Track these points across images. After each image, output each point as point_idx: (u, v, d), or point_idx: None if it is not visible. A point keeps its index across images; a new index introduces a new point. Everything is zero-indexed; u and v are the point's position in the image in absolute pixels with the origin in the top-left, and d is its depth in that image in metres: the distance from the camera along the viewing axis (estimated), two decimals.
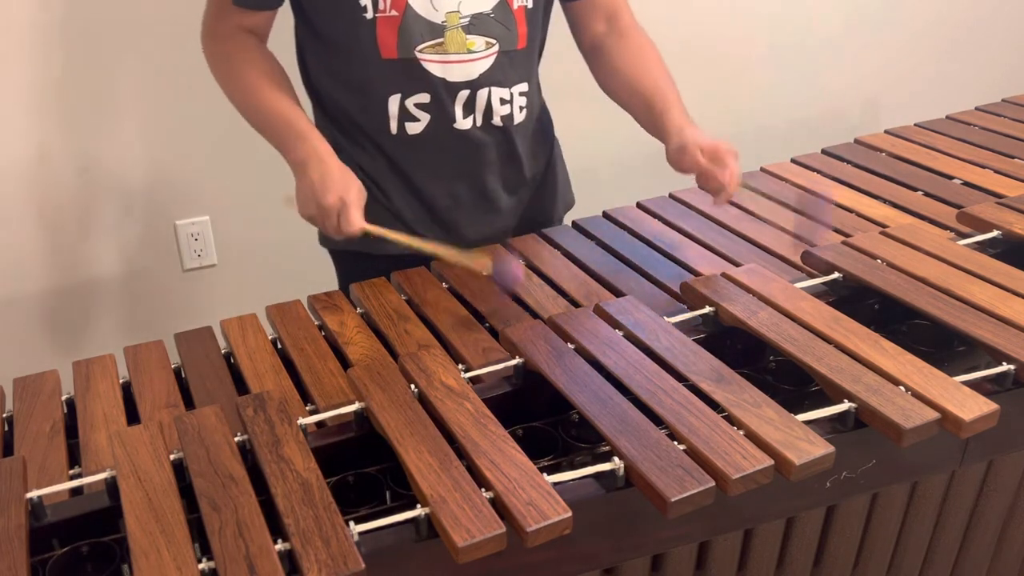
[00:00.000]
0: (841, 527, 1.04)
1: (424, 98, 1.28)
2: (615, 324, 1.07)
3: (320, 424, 0.98)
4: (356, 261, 1.37)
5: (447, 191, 1.36)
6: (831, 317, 1.07)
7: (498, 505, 0.80)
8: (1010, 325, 1.05)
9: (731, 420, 0.90)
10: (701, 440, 0.87)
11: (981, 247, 1.26)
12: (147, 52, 1.88)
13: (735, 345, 1.11)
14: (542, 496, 0.80)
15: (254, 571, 0.74)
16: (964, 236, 1.30)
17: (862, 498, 1.02)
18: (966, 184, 1.50)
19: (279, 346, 1.17)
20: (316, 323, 1.20)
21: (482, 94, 1.29)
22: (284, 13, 1.31)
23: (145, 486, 0.84)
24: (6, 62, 1.78)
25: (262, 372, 1.10)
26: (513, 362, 1.03)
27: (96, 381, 1.09)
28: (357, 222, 1.18)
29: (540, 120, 1.43)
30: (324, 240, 1.42)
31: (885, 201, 1.46)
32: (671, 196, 1.50)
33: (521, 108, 1.35)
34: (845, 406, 0.93)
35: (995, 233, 1.29)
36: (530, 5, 1.30)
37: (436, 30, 1.24)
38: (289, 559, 0.77)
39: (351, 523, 0.79)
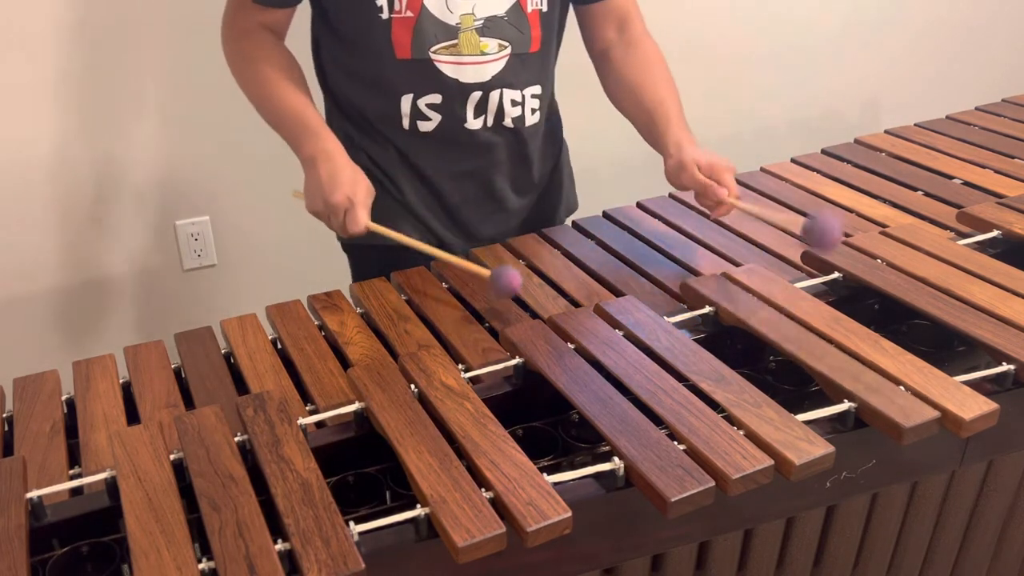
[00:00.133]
0: (841, 527, 1.04)
1: (436, 98, 1.29)
2: (615, 324, 1.07)
3: (320, 424, 0.98)
4: (369, 254, 1.39)
5: (456, 188, 1.37)
6: (831, 317, 1.07)
7: (498, 505, 0.80)
8: (1010, 325, 1.05)
9: (731, 420, 0.90)
10: (701, 440, 0.87)
11: (981, 247, 1.26)
12: (147, 54, 1.88)
13: (735, 345, 1.11)
14: (542, 496, 0.80)
15: (254, 571, 0.74)
16: (964, 236, 1.30)
17: (862, 498, 1.02)
18: (966, 184, 1.50)
19: (279, 346, 1.17)
20: (316, 323, 1.20)
21: (494, 96, 1.30)
22: (301, 8, 1.32)
23: (145, 486, 0.84)
24: (3, 63, 1.78)
25: (262, 372, 1.10)
26: (513, 362, 1.03)
27: (96, 381, 1.09)
28: (363, 221, 1.19)
29: (550, 122, 1.44)
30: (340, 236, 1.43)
31: (885, 201, 1.46)
32: (671, 196, 1.50)
33: (533, 110, 1.36)
34: (845, 406, 0.93)
35: (995, 233, 1.29)
36: (544, 8, 1.31)
37: (450, 32, 1.25)
38: (289, 559, 0.77)
39: (351, 523, 0.79)
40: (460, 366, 1.02)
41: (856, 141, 1.71)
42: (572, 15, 1.41)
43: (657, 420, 0.90)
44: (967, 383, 0.95)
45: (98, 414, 1.04)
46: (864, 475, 0.97)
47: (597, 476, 0.86)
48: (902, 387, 0.94)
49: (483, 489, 0.81)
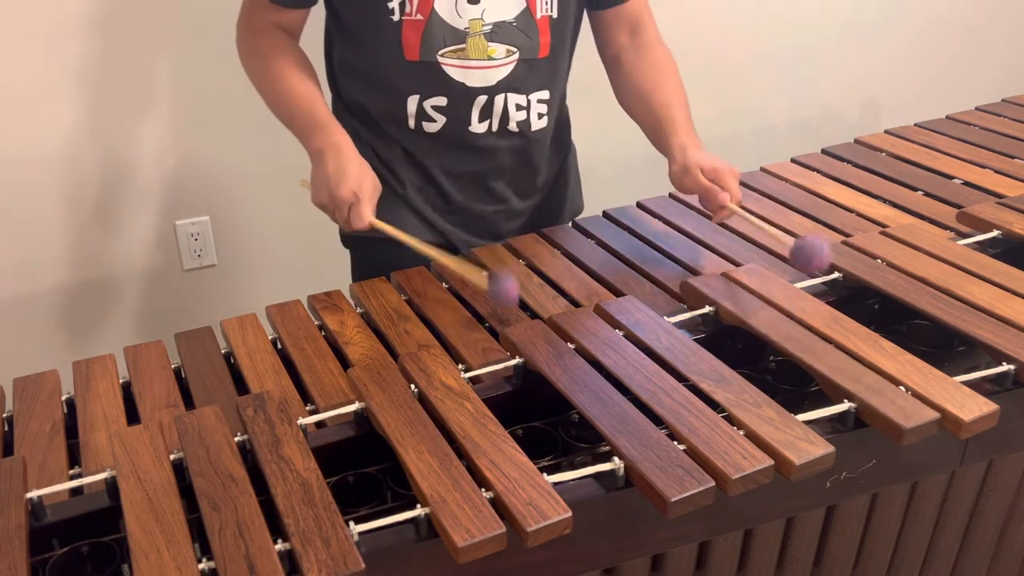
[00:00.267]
0: (841, 527, 1.04)
1: (441, 101, 1.29)
2: (615, 324, 1.07)
3: (320, 424, 0.98)
4: (370, 250, 1.39)
5: (460, 187, 1.38)
6: (831, 317, 1.07)
7: (498, 505, 0.80)
8: (1010, 325, 1.05)
9: (731, 420, 0.90)
10: (701, 440, 0.87)
11: (981, 247, 1.26)
12: (148, 54, 1.88)
13: (735, 345, 1.11)
14: (542, 496, 0.80)
15: (254, 571, 0.74)
16: (964, 236, 1.30)
17: (862, 498, 1.02)
18: (966, 184, 1.50)
19: (279, 346, 1.17)
20: (316, 323, 1.20)
21: (499, 100, 1.31)
22: (316, 9, 1.33)
23: (145, 486, 0.84)
24: (3, 63, 1.78)
25: (262, 372, 1.10)
26: (513, 362, 1.03)
27: (96, 381, 1.09)
28: (367, 216, 1.19)
29: (558, 127, 1.44)
30: (342, 230, 1.43)
31: (885, 201, 1.46)
32: (671, 196, 1.50)
33: (540, 115, 1.36)
34: (845, 406, 0.93)
35: (995, 233, 1.29)
36: (555, 15, 1.30)
37: (459, 36, 1.26)
38: (289, 559, 0.77)
39: (351, 523, 0.79)
40: (460, 366, 1.02)
41: (856, 141, 1.71)
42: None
43: (657, 420, 0.90)
44: (967, 383, 0.95)
45: (98, 414, 1.04)
46: (864, 475, 0.97)
47: (597, 476, 0.86)
48: (902, 387, 0.94)
49: (483, 489, 0.81)
